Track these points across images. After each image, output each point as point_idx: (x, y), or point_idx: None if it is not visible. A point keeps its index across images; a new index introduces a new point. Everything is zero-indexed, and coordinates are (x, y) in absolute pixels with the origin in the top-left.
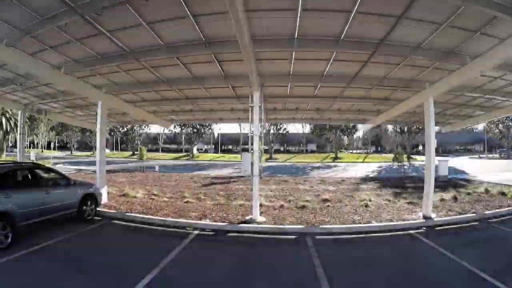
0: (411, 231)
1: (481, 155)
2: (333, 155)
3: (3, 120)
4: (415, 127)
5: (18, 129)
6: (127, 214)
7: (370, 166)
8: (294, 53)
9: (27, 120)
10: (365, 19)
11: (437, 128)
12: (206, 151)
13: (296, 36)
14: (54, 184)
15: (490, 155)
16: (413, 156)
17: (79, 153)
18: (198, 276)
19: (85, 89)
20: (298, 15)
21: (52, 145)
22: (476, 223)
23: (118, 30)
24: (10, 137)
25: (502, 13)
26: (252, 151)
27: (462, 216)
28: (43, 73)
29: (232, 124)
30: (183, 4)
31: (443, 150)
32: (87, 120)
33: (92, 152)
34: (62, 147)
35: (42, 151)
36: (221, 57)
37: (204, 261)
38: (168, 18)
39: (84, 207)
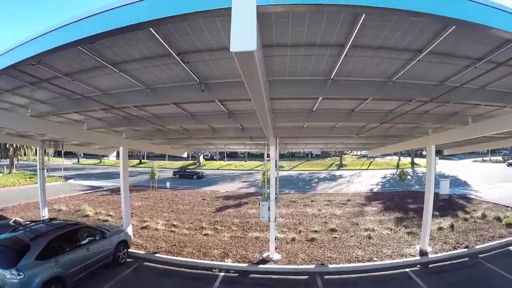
0: (407, 269)
1: (484, 158)
2: (337, 161)
3: None
4: None
5: (38, 164)
6: (156, 255)
7: (374, 176)
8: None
9: None
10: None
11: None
12: (212, 157)
13: (314, 110)
14: (93, 239)
15: (494, 158)
16: (416, 162)
17: (86, 161)
18: None
19: (107, 140)
20: (316, 105)
21: (57, 154)
22: (467, 259)
23: (150, 106)
24: (20, 152)
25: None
26: (269, 200)
27: (454, 251)
28: (67, 132)
29: None
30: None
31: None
32: (103, 148)
33: (99, 161)
34: (68, 153)
35: (49, 159)
36: (241, 120)
37: None
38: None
39: (118, 253)
